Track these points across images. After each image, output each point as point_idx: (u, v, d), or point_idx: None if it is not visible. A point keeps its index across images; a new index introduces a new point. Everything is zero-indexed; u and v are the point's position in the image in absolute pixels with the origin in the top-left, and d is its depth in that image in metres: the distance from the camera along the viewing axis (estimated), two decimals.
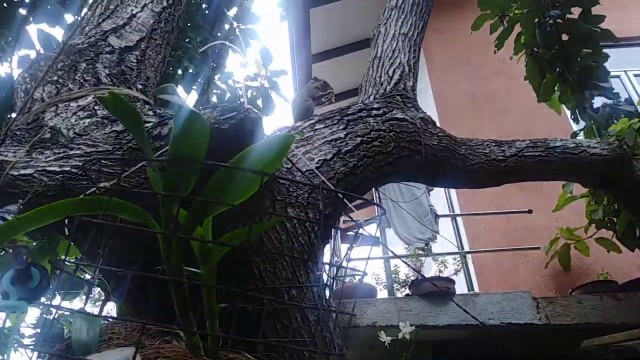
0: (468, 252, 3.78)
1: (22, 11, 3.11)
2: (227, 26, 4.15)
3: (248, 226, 0.69)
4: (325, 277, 1.44)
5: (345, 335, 3.39)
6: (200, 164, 0.64)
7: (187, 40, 3.96)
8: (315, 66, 6.71)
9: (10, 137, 1.26)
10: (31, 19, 3.10)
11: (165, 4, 1.90)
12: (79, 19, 1.82)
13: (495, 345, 3.20)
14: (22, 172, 1.16)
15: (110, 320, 0.87)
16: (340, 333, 1.38)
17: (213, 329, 0.76)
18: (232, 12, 4.23)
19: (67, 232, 0.90)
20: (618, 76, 5.23)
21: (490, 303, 3.24)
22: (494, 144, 2.11)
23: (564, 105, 3.35)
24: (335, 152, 1.55)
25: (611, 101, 2.97)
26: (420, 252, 3.53)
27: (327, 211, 1.44)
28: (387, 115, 1.82)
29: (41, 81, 1.34)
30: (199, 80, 4.18)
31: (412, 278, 3.46)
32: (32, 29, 3.32)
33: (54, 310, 0.64)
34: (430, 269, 3.68)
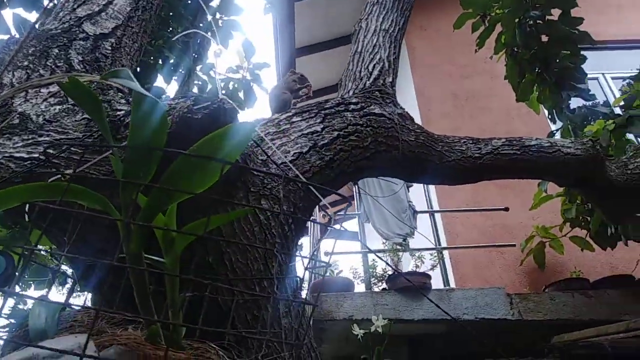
0: (445, 248, 3.82)
1: None
2: (209, 17, 4.11)
3: (208, 216, 0.68)
4: (300, 269, 1.45)
5: (322, 329, 3.42)
6: (157, 150, 0.64)
7: (168, 30, 3.91)
8: (299, 60, 6.69)
9: None
10: (7, 3, 3.03)
11: None
12: (54, 4, 1.79)
13: (470, 339, 3.25)
14: None
15: (73, 308, 0.86)
16: (309, 324, 1.38)
17: (176, 319, 0.75)
18: (214, 2, 4.18)
19: (27, 218, 0.88)
20: (596, 78, 5.32)
21: (465, 298, 3.28)
22: (470, 142, 2.13)
23: (542, 105, 3.41)
24: (312, 146, 1.55)
25: (588, 102, 3.02)
26: (398, 247, 3.56)
27: (301, 204, 1.44)
28: (365, 110, 1.83)
29: (8, 65, 1.31)
30: (180, 70, 4.13)
31: (390, 273, 3.49)
32: (7, 14, 3.25)
33: (28, 300, 0.63)
34: (408, 264, 3.72)
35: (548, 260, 4.12)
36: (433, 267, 3.44)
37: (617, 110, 3.35)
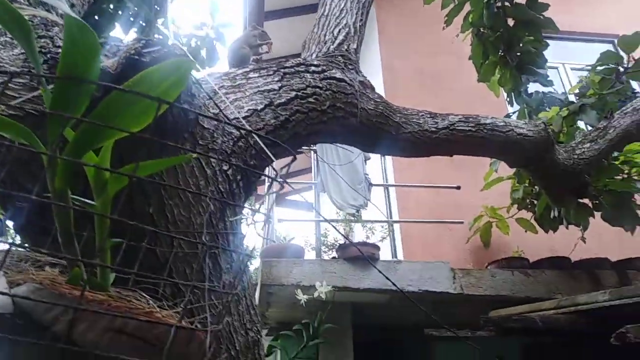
0: (396, 222, 3.89)
1: None
2: None
3: (139, 159, 0.64)
4: (244, 226, 1.43)
5: (270, 293, 3.44)
6: (86, 82, 0.59)
7: None
8: (267, 24, 6.51)
9: None
10: None
11: None
12: None
13: (411, 310, 3.35)
14: None
15: None
16: (248, 276, 1.37)
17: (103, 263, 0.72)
18: None
19: None
20: (556, 68, 5.46)
21: (411, 271, 3.37)
22: (428, 115, 2.15)
23: (502, 89, 3.47)
24: (267, 104, 1.51)
25: (546, 89, 3.09)
26: (351, 217, 3.59)
27: (252, 162, 1.41)
28: (326, 74, 1.79)
29: None
30: (140, 21, 3.92)
31: (341, 242, 3.53)
32: None
33: None
34: (359, 235, 3.77)
35: (493, 240, 4.28)
36: (383, 239, 3.50)
37: (573, 99, 3.45)
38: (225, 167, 1.34)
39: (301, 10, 6.58)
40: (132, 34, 3.90)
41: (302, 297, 2.52)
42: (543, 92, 2.99)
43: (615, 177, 3.35)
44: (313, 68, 1.76)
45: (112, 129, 0.62)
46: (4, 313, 0.52)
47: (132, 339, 0.63)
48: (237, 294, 1.35)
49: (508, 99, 3.17)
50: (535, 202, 3.67)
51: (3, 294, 0.53)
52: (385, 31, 5.76)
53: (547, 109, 3.34)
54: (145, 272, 1.07)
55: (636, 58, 2.86)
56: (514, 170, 3.42)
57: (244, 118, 1.42)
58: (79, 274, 0.64)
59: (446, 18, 3.42)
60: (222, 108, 1.38)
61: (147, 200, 1.18)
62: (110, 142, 0.77)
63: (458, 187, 3.99)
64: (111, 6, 3.73)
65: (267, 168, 1.52)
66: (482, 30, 3.23)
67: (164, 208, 1.19)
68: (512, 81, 3.02)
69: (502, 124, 2.16)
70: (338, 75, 1.84)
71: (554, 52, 5.35)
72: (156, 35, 4.29)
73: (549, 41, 3.18)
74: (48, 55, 1.15)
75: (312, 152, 4.04)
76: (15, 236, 1.15)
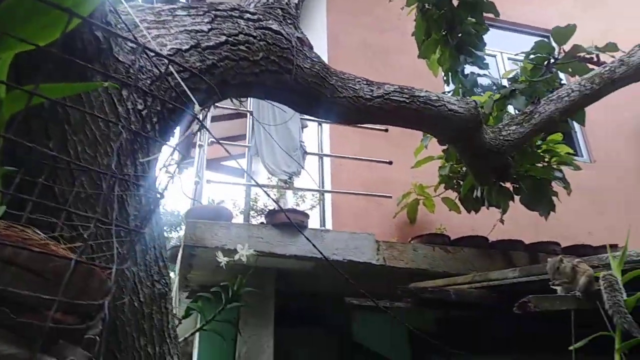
0: (327, 191, 3.90)
1: None
2: None
3: (38, 82, 0.55)
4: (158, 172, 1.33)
5: (193, 255, 3.35)
6: None
7: None
8: None
9: None
10: None
11: None
12: None
13: (334, 279, 3.38)
14: None
15: None
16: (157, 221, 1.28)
17: None
18: None
19: None
20: (494, 56, 5.63)
21: (337, 240, 3.40)
22: (364, 82, 2.12)
23: (440, 69, 3.52)
24: (194, 45, 1.40)
25: (481, 72, 3.16)
26: (283, 184, 3.55)
27: (171, 105, 1.31)
28: (262, 23, 1.70)
29: None
30: None
31: (270, 208, 3.48)
32: None
33: None
34: (289, 202, 3.74)
35: (419, 217, 4.41)
36: (312, 207, 3.49)
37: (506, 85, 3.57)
38: (140, 107, 1.24)
39: None
40: None
41: (223, 259, 2.46)
42: (478, 74, 3.06)
43: (537, 165, 3.53)
44: (248, 15, 1.66)
45: (13, 38, 0.52)
46: None
47: (23, 271, 0.56)
48: (146, 244, 1.26)
49: (445, 78, 3.22)
50: (461, 182, 3.80)
51: None
52: (334, 1, 5.66)
53: (481, 94, 3.44)
54: (42, 212, 0.97)
55: (567, 50, 2.98)
56: (444, 149, 3.51)
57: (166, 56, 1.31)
58: None
59: None
60: (143, 43, 1.26)
61: (47, 132, 1.07)
62: (8, 56, 0.67)
63: (390, 162, 4.05)
64: None
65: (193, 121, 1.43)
66: (426, 6, 3.24)
67: (67, 144, 1.08)
68: (450, 60, 3.07)
69: (435, 98, 2.17)
70: (275, 27, 1.75)
71: (494, 40, 5.51)
72: None
73: (490, 29, 3.25)
74: None
75: (248, 114, 3.92)
76: None
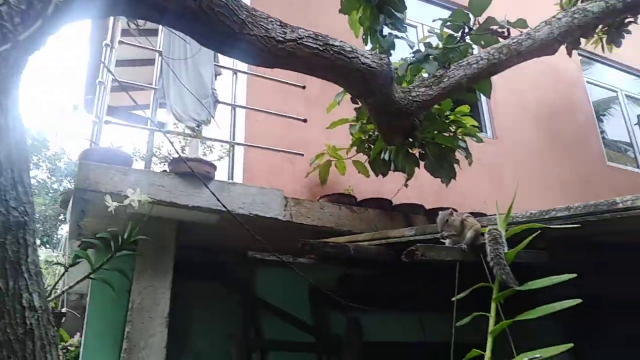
0: (237, 144, 3.77)
1: None
2: None
3: None
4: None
5: (86, 200, 3.10)
6: None
7: None
8: None
9: None
10: None
11: None
12: None
13: (239, 233, 3.30)
14: None
15: None
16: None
17: None
18: None
19: None
20: (416, 27, 5.71)
21: (245, 194, 3.31)
22: (277, 23, 2.01)
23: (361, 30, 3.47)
24: None
25: (400, 34, 3.16)
26: (190, 131, 3.37)
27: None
28: None
29: None
30: None
31: (175, 156, 3.30)
32: None
33: None
34: (196, 151, 3.57)
35: (331, 178, 4.43)
36: (220, 158, 3.36)
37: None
38: None
39: None
40: None
41: (112, 204, 2.29)
42: (396, 36, 3.05)
43: (443, 133, 3.65)
44: None
45: None
46: None
47: None
48: None
49: (364, 37, 3.18)
50: (372, 146, 3.85)
51: None
52: None
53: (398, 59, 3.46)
54: None
55: (482, 22, 3.06)
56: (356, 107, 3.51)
57: None
58: None
59: None
60: None
61: None
62: None
63: (304, 120, 4.00)
64: None
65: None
66: None
67: None
68: (370, 19, 3.03)
69: (349, 49, 2.13)
70: None
71: (417, 12, 5.58)
72: None
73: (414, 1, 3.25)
74: None
75: (157, 58, 3.64)
76: None
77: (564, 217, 1.98)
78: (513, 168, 5.65)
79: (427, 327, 4.28)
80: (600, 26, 5.61)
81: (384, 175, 3.99)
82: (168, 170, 3.25)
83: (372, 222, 3.75)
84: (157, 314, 3.28)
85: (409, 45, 3.09)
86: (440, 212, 2.08)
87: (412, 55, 3.06)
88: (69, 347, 4.94)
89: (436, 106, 3.53)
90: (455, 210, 4.37)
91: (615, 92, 7.48)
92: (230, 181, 3.49)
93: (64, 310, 4.82)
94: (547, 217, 2.03)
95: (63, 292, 3.39)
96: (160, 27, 3.62)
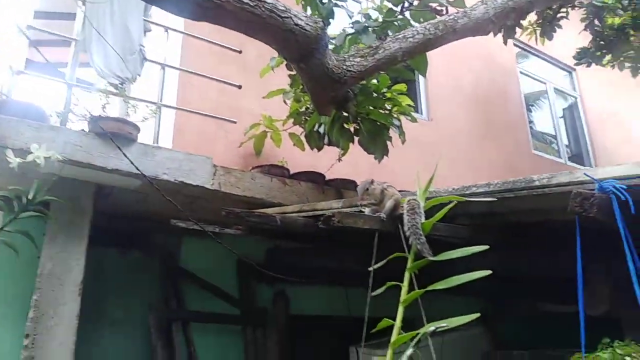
0: (165, 106, 3.57)
1: None
2: None
3: None
4: None
5: None
6: None
7: None
8: None
9: None
10: None
11: None
12: None
13: (164, 200, 3.15)
14: None
15: None
16: None
17: None
18: None
19: None
20: (360, 2, 5.64)
21: (171, 159, 3.15)
22: None
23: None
24: None
25: (339, 2, 3.08)
26: (113, 89, 3.14)
27: None
28: None
29: None
30: None
31: (96, 114, 3.07)
32: None
33: None
34: (118, 111, 3.35)
35: (266, 150, 4.33)
36: (145, 119, 3.16)
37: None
38: None
39: None
40: None
41: (14, 159, 2.09)
42: (336, 3, 2.98)
43: (379, 110, 3.65)
44: None
45: None
46: None
47: None
48: None
49: (302, 2, 3.08)
50: (308, 119, 3.78)
51: None
52: None
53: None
54: None
55: None
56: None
57: None
58: None
59: None
60: None
61: None
62: None
63: (239, 86, 3.85)
64: None
65: None
66: None
67: None
68: None
69: (282, 8, 2.03)
70: None
71: None
72: None
73: None
74: None
75: (80, 2, 3.34)
76: None
77: (483, 193, 2.03)
78: (445, 150, 5.80)
79: (353, 301, 4.34)
80: (535, 17, 5.82)
81: (319, 149, 3.95)
82: (87, 130, 3.02)
83: (303, 195, 3.71)
84: (69, 282, 3.08)
85: (349, 15, 3.02)
86: (360, 182, 2.06)
87: (351, 26, 3.00)
88: None
89: (373, 82, 3.53)
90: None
91: (545, 83, 7.85)
92: (155, 145, 3.31)
93: None
94: (467, 192, 2.07)
95: None
96: None
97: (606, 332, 2.08)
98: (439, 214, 1.64)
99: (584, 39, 6.35)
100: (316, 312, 4.42)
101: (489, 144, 6.35)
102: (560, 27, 6.06)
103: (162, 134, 3.71)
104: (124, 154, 2.69)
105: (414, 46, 2.52)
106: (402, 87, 3.71)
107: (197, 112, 3.71)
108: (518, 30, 5.23)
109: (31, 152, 2.54)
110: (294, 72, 3.17)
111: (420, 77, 6.19)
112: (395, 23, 2.93)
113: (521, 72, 7.49)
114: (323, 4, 2.97)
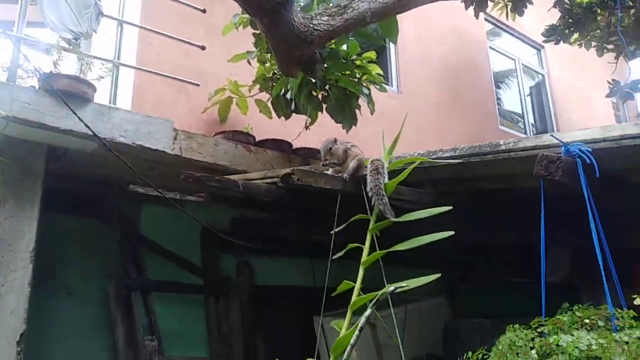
0: (122, 64, 3.39)
1: None
2: None
3: None
4: None
5: None
6: None
7: None
8: None
9: None
10: None
11: None
12: None
13: (122, 164, 3.01)
14: None
15: None
16: None
17: None
18: None
19: None
20: None
21: (128, 122, 3.00)
22: None
23: None
24: None
25: None
26: (65, 45, 2.94)
27: None
28: None
29: None
30: None
31: (49, 71, 2.88)
32: None
33: None
34: (72, 68, 3.15)
35: (231, 117, 4.19)
36: (100, 78, 2.99)
37: None
38: None
39: None
40: None
41: None
42: None
43: (349, 78, 3.56)
44: None
45: None
46: None
47: None
48: None
49: None
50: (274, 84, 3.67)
51: None
52: None
53: None
54: None
55: None
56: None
57: None
58: None
59: None
60: None
61: None
62: None
63: (203, 47, 3.68)
64: None
65: None
66: None
67: None
68: None
69: None
70: None
71: None
72: None
73: None
74: None
75: None
76: None
77: (450, 157, 2.00)
78: (414, 121, 5.78)
79: (319, 272, 4.32)
80: None
81: (287, 117, 3.85)
82: (37, 87, 2.84)
83: (269, 163, 3.62)
84: (20, 248, 2.94)
85: None
86: (323, 140, 1.99)
87: None
88: None
89: (342, 48, 3.43)
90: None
91: (514, 60, 7.89)
92: (112, 106, 3.14)
93: None
94: (434, 157, 2.03)
95: None
96: None
97: (567, 299, 2.11)
98: (404, 173, 1.60)
99: (554, 17, 6.37)
100: (281, 283, 4.39)
101: (457, 119, 6.37)
102: (531, 2, 6.04)
103: (120, 96, 3.54)
104: (73, 112, 2.53)
105: (384, 7, 2.43)
106: (372, 54, 3.63)
107: (157, 72, 3.53)
108: (490, 4, 5.19)
109: None
110: (258, 31, 3.03)
111: (392, 50, 6.13)
112: None
113: (491, 48, 7.50)
114: None
